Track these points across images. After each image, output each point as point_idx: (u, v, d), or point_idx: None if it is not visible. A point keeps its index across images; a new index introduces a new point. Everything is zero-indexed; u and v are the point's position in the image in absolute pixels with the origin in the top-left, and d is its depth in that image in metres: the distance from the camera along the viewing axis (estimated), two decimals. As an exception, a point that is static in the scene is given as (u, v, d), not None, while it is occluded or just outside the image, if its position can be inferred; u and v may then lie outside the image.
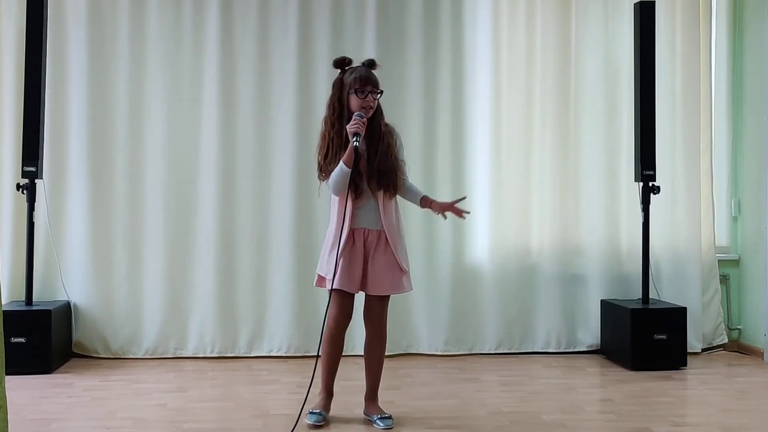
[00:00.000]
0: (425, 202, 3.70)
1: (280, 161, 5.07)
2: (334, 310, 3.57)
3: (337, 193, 3.52)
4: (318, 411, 3.62)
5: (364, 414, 3.71)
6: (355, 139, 3.42)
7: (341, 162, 3.45)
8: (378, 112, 3.61)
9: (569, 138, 5.25)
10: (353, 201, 3.51)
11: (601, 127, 5.27)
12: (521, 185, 5.23)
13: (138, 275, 5.01)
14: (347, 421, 3.70)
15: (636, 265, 5.12)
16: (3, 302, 2.73)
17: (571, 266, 5.24)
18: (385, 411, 3.65)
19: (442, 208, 3.69)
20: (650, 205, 4.96)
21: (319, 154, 3.59)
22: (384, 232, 3.55)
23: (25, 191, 4.69)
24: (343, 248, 3.49)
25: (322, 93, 5.06)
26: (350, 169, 3.44)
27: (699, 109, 5.28)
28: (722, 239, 5.49)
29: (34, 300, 4.74)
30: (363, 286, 3.57)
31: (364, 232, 3.55)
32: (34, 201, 4.71)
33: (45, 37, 4.75)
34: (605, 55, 5.29)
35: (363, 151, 3.50)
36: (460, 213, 3.67)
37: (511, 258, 5.22)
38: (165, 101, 5.03)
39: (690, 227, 5.25)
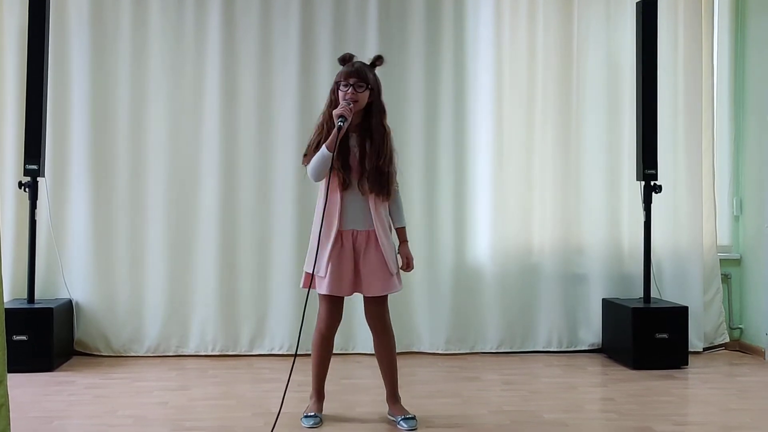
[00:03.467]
0: (400, 234, 3.67)
1: (282, 159, 5.07)
2: (324, 313, 3.57)
3: (315, 177, 3.50)
4: (313, 414, 3.63)
5: (389, 415, 3.70)
6: (339, 120, 3.43)
7: (323, 146, 3.46)
8: (377, 110, 3.60)
9: (571, 137, 5.25)
10: (341, 198, 3.50)
11: (603, 125, 5.27)
12: (522, 184, 5.23)
13: (140, 273, 5.02)
14: (347, 420, 3.70)
15: (637, 264, 5.12)
16: (5, 300, 2.73)
17: (572, 265, 5.25)
18: (408, 411, 3.65)
19: (404, 255, 3.66)
20: (652, 204, 4.96)
21: (311, 141, 3.59)
22: (374, 232, 3.54)
23: (27, 189, 4.70)
24: (331, 250, 3.48)
25: (324, 90, 5.03)
26: (331, 154, 3.44)
27: (701, 108, 5.28)
28: (724, 238, 5.49)
29: (36, 298, 4.75)
30: (357, 288, 3.56)
31: (353, 233, 3.53)
32: (36, 199, 4.72)
33: (47, 34, 4.76)
34: (607, 53, 5.29)
35: (354, 147, 3.51)
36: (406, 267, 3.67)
37: (513, 257, 5.22)
38: (167, 99, 5.04)
39: (692, 226, 5.25)
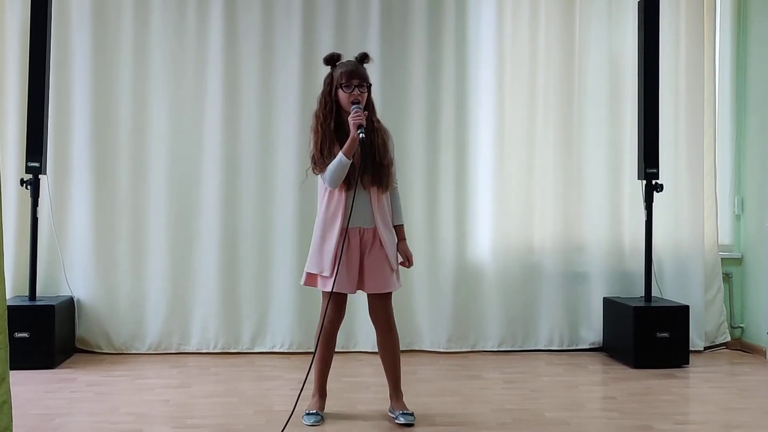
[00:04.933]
0: (398, 232, 3.68)
1: (283, 157, 5.07)
2: (330, 311, 3.57)
3: (333, 185, 3.50)
4: (314, 411, 3.64)
5: (389, 411, 3.70)
6: (360, 131, 3.43)
7: (341, 153, 3.45)
8: (370, 106, 3.61)
9: (572, 135, 5.25)
10: (345, 198, 3.51)
11: (604, 124, 5.27)
12: (524, 182, 5.23)
13: (141, 271, 5.02)
14: (349, 417, 3.71)
15: (638, 263, 5.12)
16: (7, 297, 2.73)
17: (573, 264, 5.25)
18: (408, 408, 3.66)
19: (403, 252, 3.67)
20: (653, 203, 4.96)
21: (314, 148, 3.57)
22: (377, 229, 3.55)
23: (28, 187, 4.70)
24: (337, 249, 3.47)
25: (326, 90, 5.08)
26: (350, 161, 3.45)
27: (702, 107, 5.27)
28: (725, 237, 5.49)
29: (37, 295, 4.76)
30: (360, 285, 3.57)
31: (359, 231, 3.54)
32: (38, 196, 4.72)
33: (49, 32, 4.75)
34: (609, 51, 5.29)
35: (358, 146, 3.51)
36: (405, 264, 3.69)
37: (514, 255, 5.22)
38: (168, 97, 5.04)
39: (693, 225, 5.25)
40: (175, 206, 5.04)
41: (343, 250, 3.49)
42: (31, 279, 4.73)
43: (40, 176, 4.73)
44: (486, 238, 5.23)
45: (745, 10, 5.44)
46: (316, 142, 3.56)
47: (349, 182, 3.50)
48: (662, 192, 4.97)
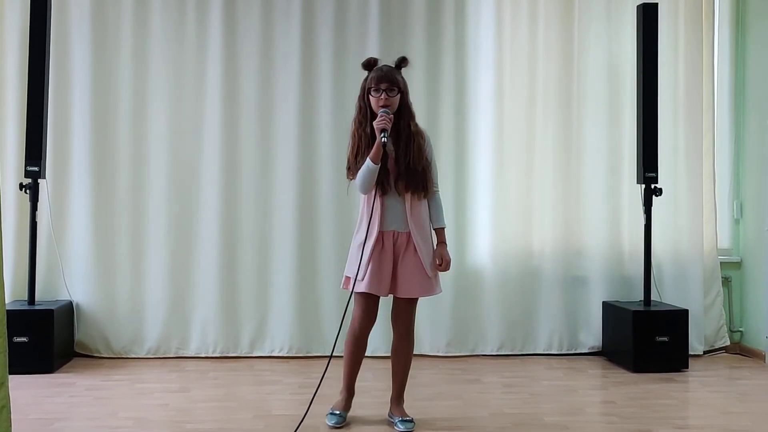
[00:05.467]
0: (438, 235, 3.64)
1: (283, 160, 5.08)
2: (358, 312, 3.57)
3: (364, 190, 3.51)
4: (338, 412, 3.63)
5: (388, 416, 3.71)
6: (383, 135, 3.42)
7: (368, 159, 3.45)
8: (406, 111, 3.59)
9: (571, 139, 5.25)
10: (381, 201, 3.51)
11: (604, 128, 5.27)
12: (523, 186, 5.23)
13: (140, 275, 5.02)
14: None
15: (638, 267, 5.12)
16: (6, 301, 2.73)
17: (572, 268, 5.24)
18: (407, 414, 3.65)
19: (439, 255, 3.61)
20: (652, 207, 4.96)
21: (350, 154, 3.58)
22: (411, 234, 3.53)
23: (28, 191, 4.70)
24: (372, 251, 3.48)
25: (326, 89, 5.09)
26: (378, 166, 3.45)
27: (701, 111, 5.28)
28: (724, 241, 5.50)
29: (36, 299, 4.75)
30: (392, 289, 3.57)
31: (394, 234, 3.54)
32: (37, 201, 4.72)
33: (48, 35, 4.75)
34: (608, 55, 5.29)
35: (391, 151, 3.49)
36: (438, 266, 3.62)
37: (513, 259, 5.22)
38: (168, 100, 5.04)
39: (692, 229, 5.25)
40: (174, 210, 5.04)
41: (376, 252, 3.49)
42: (30, 283, 4.72)
43: (40, 180, 4.73)
44: (485, 242, 5.23)
45: (743, 14, 5.45)
46: (352, 148, 3.57)
47: (383, 187, 3.50)
48: (661, 196, 4.97)
